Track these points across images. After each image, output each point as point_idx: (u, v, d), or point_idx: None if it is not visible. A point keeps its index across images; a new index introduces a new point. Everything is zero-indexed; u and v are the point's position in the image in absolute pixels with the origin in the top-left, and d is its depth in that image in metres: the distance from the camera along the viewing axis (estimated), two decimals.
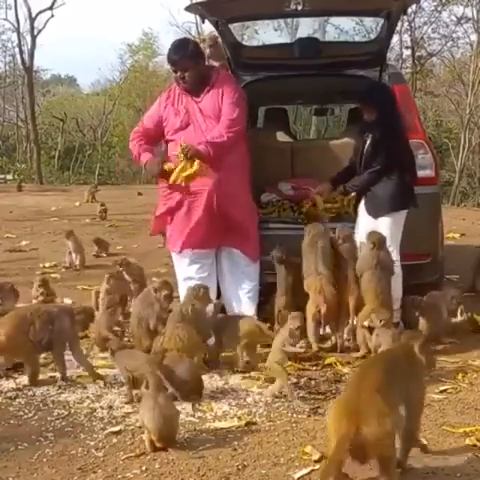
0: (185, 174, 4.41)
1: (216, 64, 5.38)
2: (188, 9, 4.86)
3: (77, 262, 7.16)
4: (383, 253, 4.32)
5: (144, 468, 2.87)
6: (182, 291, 4.61)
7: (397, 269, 4.51)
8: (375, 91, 4.76)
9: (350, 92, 5.83)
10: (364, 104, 4.64)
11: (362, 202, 4.67)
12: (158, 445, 2.98)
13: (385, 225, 4.51)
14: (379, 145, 4.49)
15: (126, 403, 3.53)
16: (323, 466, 2.60)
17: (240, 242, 4.64)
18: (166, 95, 4.71)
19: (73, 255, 7.20)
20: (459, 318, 4.49)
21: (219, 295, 4.71)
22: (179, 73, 4.53)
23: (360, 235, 4.63)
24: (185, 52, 4.53)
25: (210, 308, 4.20)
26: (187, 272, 4.68)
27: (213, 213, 4.52)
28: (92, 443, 3.12)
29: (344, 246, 4.51)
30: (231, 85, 4.62)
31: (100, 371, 3.98)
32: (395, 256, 4.51)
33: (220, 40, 5.29)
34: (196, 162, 4.36)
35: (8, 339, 3.76)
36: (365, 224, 4.61)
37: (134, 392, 3.53)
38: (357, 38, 10.68)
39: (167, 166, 4.50)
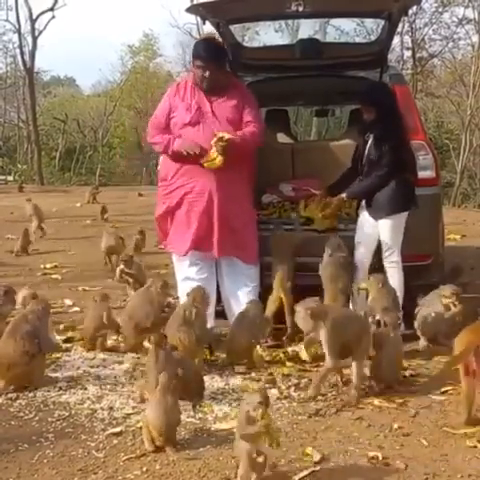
0: (208, 164, 4.42)
1: None
2: (189, 10, 4.84)
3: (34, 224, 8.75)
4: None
5: (145, 469, 2.87)
6: (182, 292, 4.61)
7: (398, 270, 4.52)
8: (374, 91, 4.76)
9: (351, 93, 5.83)
10: (363, 104, 4.63)
11: (363, 204, 4.67)
12: (158, 443, 2.99)
13: (386, 227, 4.51)
14: (381, 146, 4.49)
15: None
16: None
17: (240, 251, 4.62)
18: (175, 88, 4.67)
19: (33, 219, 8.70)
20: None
21: (218, 296, 4.71)
22: (203, 71, 4.50)
23: (361, 237, 4.63)
24: (217, 52, 4.60)
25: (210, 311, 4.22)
26: (187, 273, 4.68)
27: (213, 216, 4.52)
28: (93, 444, 3.12)
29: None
30: (253, 100, 4.68)
31: (101, 372, 4.00)
32: (396, 257, 4.51)
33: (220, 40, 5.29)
34: (220, 157, 4.36)
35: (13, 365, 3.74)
36: (366, 226, 4.61)
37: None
38: (358, 39, 10.68)
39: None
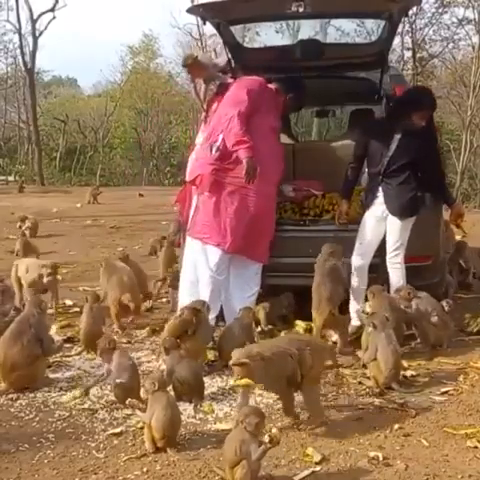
0: None
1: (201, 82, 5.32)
2: (189, 11, 4.83)
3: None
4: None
5: (145, 469, 2.87)
6: (206, 286, 4.48)
7: (402, 272, 4.52)
8: (433, 96, 4.77)
9: (352, 94, 5.83)
10: (431, 111, 4.59)
11: (376, 204, 4.63)
12: (160, 444, 2.99)
13: (397, 228, 4.51)
14: (426, 148, 4.51)
15: None
16: None
17: (261, 252, 4.66)
18: (263, 84, 4.74)
19: None
20: None
21: None
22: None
23: (364, 237, 4.61)
24: None
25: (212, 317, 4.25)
26: (212, 272, 4.56)
27: (265, 220, 4.62)
28: (93, 444, 3.12)
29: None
30: None
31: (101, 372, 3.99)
32: (400, 259, 4.52)
33: (200, 53, 5.33)
34: None
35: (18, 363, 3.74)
36: (370, 226, 4.60)
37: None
38: (358, 40, 10.63)
39: None
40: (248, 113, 4.52)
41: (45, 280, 5.24)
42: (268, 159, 4.56)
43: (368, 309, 4.37)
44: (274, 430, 2.95)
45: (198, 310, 3.93)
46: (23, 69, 25.00)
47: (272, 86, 4.82)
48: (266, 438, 2.70)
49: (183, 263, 4.78)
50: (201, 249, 4.59)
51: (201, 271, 4.59)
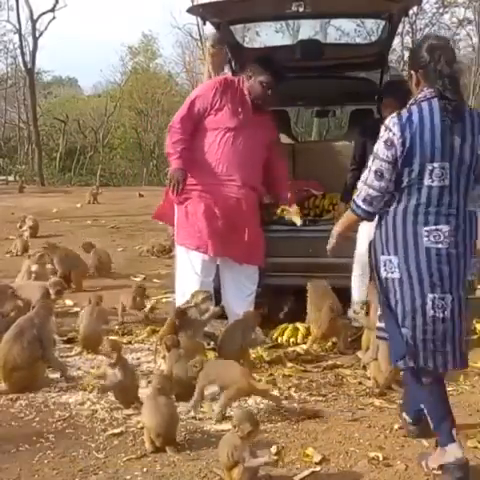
0: None
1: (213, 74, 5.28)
2: (190, 11, 4.84)
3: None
4: None
5: (145, 470, 2.87)
6: (190, 289, 4.44)
7: None
8: (395, 86, 4.72)
9: (352, 94, 5.83)
10: (393, 99, 4.40)
11: None
12: (157, 443, 2.99)
13: None
14: None
15: None
16: None
17: (249, 255, 4.61)
18: (217, 84, 4.58)
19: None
20: None
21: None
22: (267, 89, 4.55)
23: (365, 232, 4.61)
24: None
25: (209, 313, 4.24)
26: (199, 274, 4.56)
27: (239, 222, 4.54)
28: (93, 445, 3.12)
29: None
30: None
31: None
32: None
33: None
34: None
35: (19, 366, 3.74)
36: (372, 226, 4.59)
37: None
38: (358, 40, 10.63)
39: None
40: (189, 120, 4.55)
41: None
42: (228, 159, 4.48)
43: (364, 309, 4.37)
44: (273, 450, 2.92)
45: (183, 312, 3.93)
46: (23, 69, 25.02)
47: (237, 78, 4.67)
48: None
49: (176, 268, 4.78)
50: (185, 254, 4.62)
51: (188, 275, 4.60)
